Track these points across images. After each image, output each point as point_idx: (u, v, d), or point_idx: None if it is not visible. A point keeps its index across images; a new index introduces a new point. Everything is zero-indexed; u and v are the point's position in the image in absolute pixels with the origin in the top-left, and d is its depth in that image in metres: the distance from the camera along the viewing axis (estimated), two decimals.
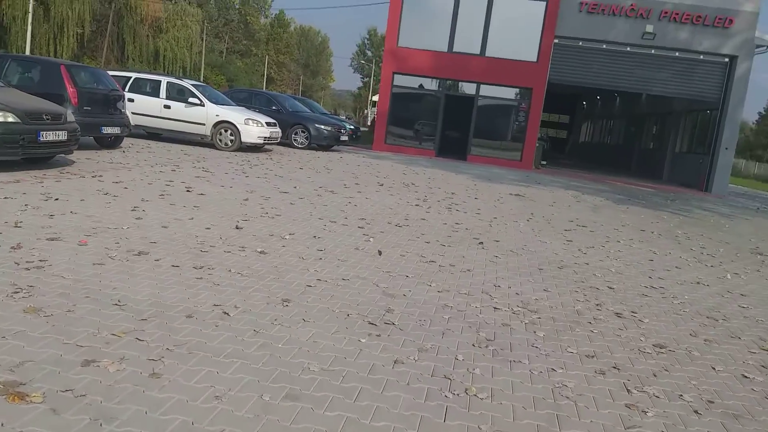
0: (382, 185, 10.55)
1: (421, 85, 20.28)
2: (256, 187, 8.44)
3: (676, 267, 6.57)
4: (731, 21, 18.27)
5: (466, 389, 2.93)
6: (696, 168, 20.76)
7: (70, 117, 8.06)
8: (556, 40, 18.97)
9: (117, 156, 10.13)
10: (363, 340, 3.39)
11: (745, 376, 3.56)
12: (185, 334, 3.17)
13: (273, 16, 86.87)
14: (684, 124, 23.06)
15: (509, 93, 20.05)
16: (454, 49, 19.44)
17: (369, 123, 50.20)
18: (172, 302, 3.61)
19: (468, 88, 19.95)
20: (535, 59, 19.08)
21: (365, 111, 70.94)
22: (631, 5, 18.61)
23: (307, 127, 16.45)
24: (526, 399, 2.92)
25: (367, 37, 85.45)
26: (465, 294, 4.54)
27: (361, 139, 21.79)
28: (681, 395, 3.17)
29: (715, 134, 19.37)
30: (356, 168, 13.11)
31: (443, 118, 19.93)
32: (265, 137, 13.63)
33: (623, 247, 7.36)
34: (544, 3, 18.78)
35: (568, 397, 2.99)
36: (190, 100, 13.15)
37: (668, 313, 4.72)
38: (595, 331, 4.05)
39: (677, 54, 19.04)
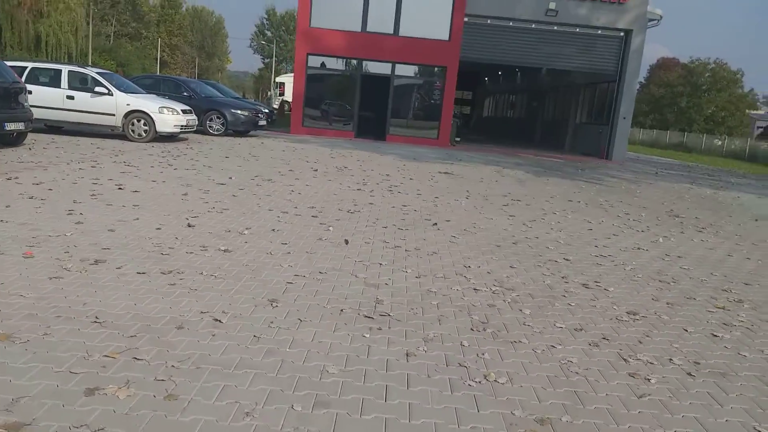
0: (316, 171, 10.36)
1: (327, 65, 20.04)
2: (190, 180, 8.01)
3: (614, 234, 6.98)
4: None
5: (485, 375, 2.96)
6: (596, 137, 22.08)
7: None
8: (466, 19, 19.32)
9: (24, 154, 9.23)
10: (367, 335, 3.33)
11: (714, 335, 3.85)
12: (183, 348, 2.97)
13: None
14: (583, 97, 24.39)
15: (423, 72, 20.26)
16: (368, 29, 19.30)
17: (276, 105, 49.11)
18: (154, 313, 3.36)
19: (383, 68, 19.91)
20: (447, 38, 19.35)
21: (269, 93, 69.09)
22: None
23: (223, 113, 15.78)
24: (542, 379, 2.99)
25: (266, 17, 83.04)
26: (442, 278, 4.57)
27: (275, 123, 21.22)
28: (671, 359, 3.39)
29: (613, 105, 20.65)
30: (282, 154, 12.78)
31: (360, 99, 19.82)
32: (182, 125, 12.94)
33: (560, 219, 7.71)
34: None
35: (577, 373, 3.10)
36: (97, 89, 12.19)
37: (625, 280, 5.01)
38: (572, 304, 4.22)
39: (578, 30, 20.01)
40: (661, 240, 6.87)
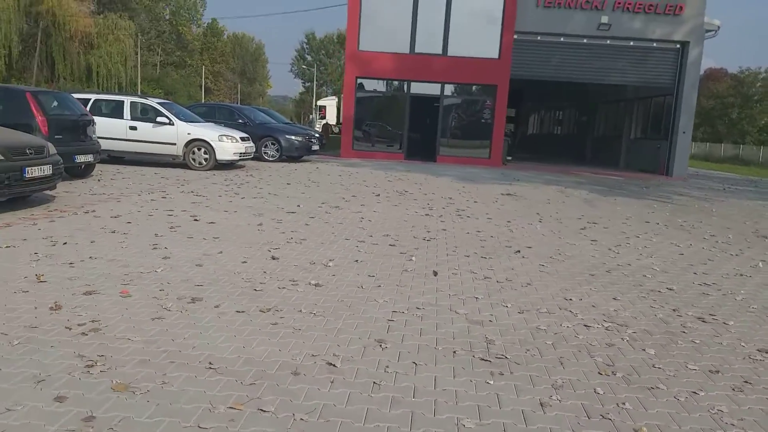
0: (378, 195, 10.23)
1: (381, 88, 20.08)
2: (260, 209, 7.97)
3: (708, 259, 6.57)
4: (681, 8, 18.88)
5: (636, 430, 2.68)
6: (653, 153, 21.37)
7: (52, 149, 7.36)
8: (515, 36, 19.10)
9: (94, 186, 9.40)
10: (491, 382, 3.10)
11: None
12: (306, 397, 2.80)
13: (205, 25, 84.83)
14: (637, 111, 23.73)
15: (473, 91, 20.08)
16: (416, 50, 19.27)
17: (319, 128, 49.69)
18: (265, 358, 3.21)
19: (432, 89, 19.83)
20: (497, 56, 19.15)
21: (310, 116, 70.08)
22: None
23: (278, 139, 15.90)
24: None
25: (306, 41, 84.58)
26: (546, 313, 4.31)
27: (324, 147, 21.32)
28: None
29: (672, 119, 19.98)
30: (340, 179, 12.73)
31: (409, 120, 19.74)
32: (241, 153, 13.06)
33: (645, 243, 7.33)
34: (502, 0, 18.87)
35: (733, 425, 2.79)
36: (158, 119, 12.42)
37: (741, 311, 4.64)
38: (696, 341, 3.90)
39: (632, 43, 19.52)
40: (760, 265, 6.43)
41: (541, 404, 2.88)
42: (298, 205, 8.50)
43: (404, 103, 19.71)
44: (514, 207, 9.84)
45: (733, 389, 3.19)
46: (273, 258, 5.37)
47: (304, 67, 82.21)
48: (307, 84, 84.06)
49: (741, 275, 5.89)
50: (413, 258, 5.70)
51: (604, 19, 19.08)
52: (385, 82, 19.94)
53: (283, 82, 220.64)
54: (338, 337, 3.59)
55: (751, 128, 58.98)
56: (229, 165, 13.36)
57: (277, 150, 15.99)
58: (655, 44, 19.55)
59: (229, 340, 3.43)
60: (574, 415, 2.80)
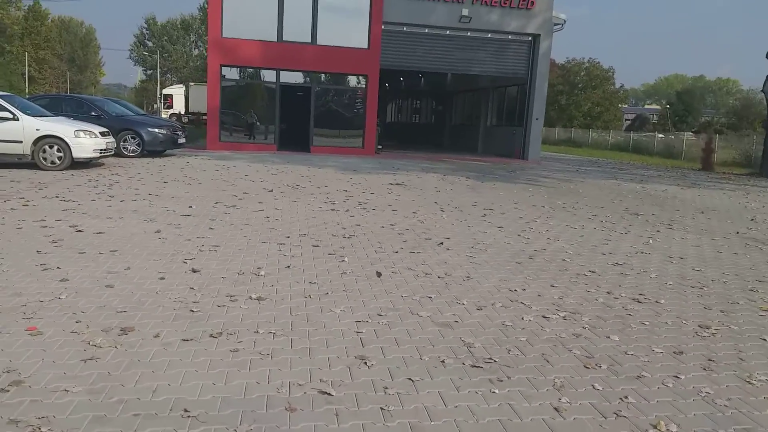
0: (271, 191, 9.69)
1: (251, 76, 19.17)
2: (149, 213, 7.12)
3: (606, 239, 7.04)
4: (533, 3, 20.23)
5: (655, 425, 2.70)
6: (508, 139, 22.84)
7: None
8: (383, 27, 19.20)
9: None
10: (496, 391, 2.96)
11: None
12: None
13: (26, 7, 75.11)
14: (492, 99, 25.18)
15: (345, 80, 19.90)
16: (284, 38, 18.62)
17: (167, 117, 46.51)
18: (246, 394, 2.78)
19: (303, 78, 19.33)
20: (366, 46, 19.12)
21: (154, 106, 65.40)
22: None
23: (139, 133, 14.46)
24: (705, 420, 2.78)
25: (146, 26, 78.35)
26: (502, 307, 4.27)
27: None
28: None
29: (526, 107, 21.44)
30: (218, 173, 11.89)
31: (280, 110, 19.07)
32: (101, 149, 11.66)
33: (545, 226, 7.70)
34: None
35: (726, 406, 2.92)
36: (0, 114, 10.66)
37: (663, 288, 4.99)
38: (646, 323, 4.09)
39: (490, 35, 20.58)
40: (651, 241, 7.02)
41: (557, 409, 2.80)
42: (190, 206, 7.74)
43: (274, 92, 18.98)
44: (411, 197, 9.86)
45: (704, 369, 3.37)
46: (193, 270, 4.77)
47: (145, 53, 76.27)
48: (149, 71, 78.19)
49: (641, 253, 6.37)
50: (345, 259, 5.40)
51: (465, 12, 19.87)
52: (252, 70, 19.03)
53: (118, 70, 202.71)
54: (315, 358, 3.23)
55: (578, 113, 65.25)
56: (85, 163, 11.87)
57: (138, 144, 14.55)
58: (510, 36, 20.79)
59: (191, 377, 2.92)
60: (591, 417, 2.75)
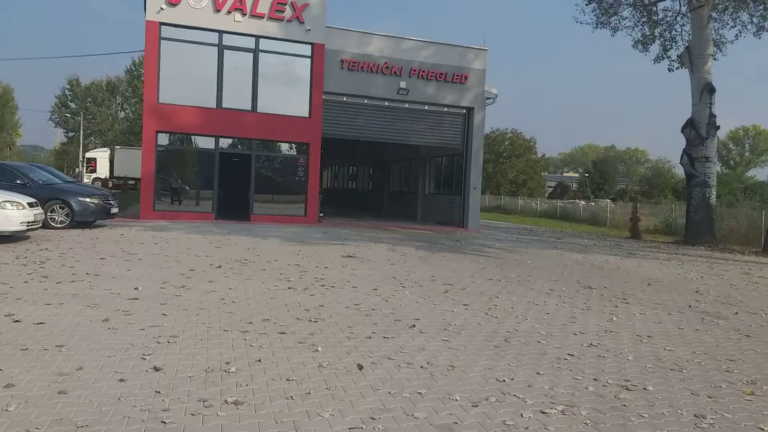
0: (219, 267, 9.19)
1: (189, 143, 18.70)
2: (92, 297, 6.50)
3: (571, 317, 7.04)
4: (466, 77, 21.14)
5: None
6: (447, 207, 23.26)
7: None
8: (324, 96, 19.41)
9: None
10: None
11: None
12: None
13: None
14: (430, 169, 25.72)
15: (286, 148, 19.77)
16: (224, 105, 18.39)
17: (90, 182, 44.58)
18: None
19: (242, 145, 19.06)
20: (307, 115, 19.19)
21: (76, 169, 62.61)
22: (386, 63, 20.14)
23: (68, 202, 13.54)
24: None
25: (68, 87, 75.88)
26: (497, 402, 4.06)
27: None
28: None
29: (463, 177, 21.99)
30: (158, 247, 11.24)
31: (219, 178, 18.58)
32: (29, 222, 10.80)
33: (508, 303, 7.64)
34: (309, 60, 19.11)
35: None
36: None
37: (644, 373, 4.95)
38: (644, 415, 3.98)
39: (426, 107, 21.22)
40: (614, 318, 7.08)
41: None
42: (136, 288, 7.15)
43: (212, 159, 18.53)
44: (366, 271, 9.62)
45: None
46: (155, 369, 4.28)
47: (67, 115, 73.50)
48: (71, 134, 75.16)
49: (610, 331, 6.37)
50: (318, 348, 5.05)
51: (403, 84, 20.48)
52: (189, 137, 18.58)
53: (35, 131, 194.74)
54: None
55: (504, 180, 67.81)
56: (9, 237, 10.92)
57: (68, 215, 13.62)
58: (446, 109, 21.51)
59: None
60: None
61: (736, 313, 7.87)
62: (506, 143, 69.39)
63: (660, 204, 37.99)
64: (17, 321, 5.33)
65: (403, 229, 19.67)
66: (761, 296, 9.42)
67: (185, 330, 5.39)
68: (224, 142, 18.78)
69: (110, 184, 46.54)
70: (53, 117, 76.62)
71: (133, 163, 47.84)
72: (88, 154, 55.62)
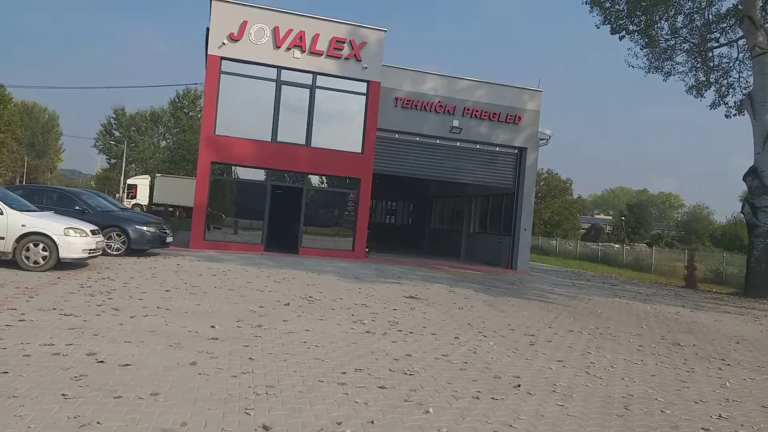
0: (288, 305, 8.83)
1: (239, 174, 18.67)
2: (170, 335, 6.17)
3: (682, 382, 6.45)
4: (520, 118, 20.83)
5: None
6: (494, 247, 22.70)
7: None
8: (377, 133, 19.28)
9: None
10: None
11: None
12: None
13: None
14: (475, 207, 25.27)
15: (338, 183, 19.60)
16: (279, 139, 18.38)
17: (131, 207, 45.23)
18: None
19: (295, 178, 18.96)
20: (360, 150, 19.05)
21: (117, 195, 63.84)
22: (439, 102, 19.99)
23: (126, 230, 13.48)
24: None
25: (114, 116, 78.19)
26: None
27: None
28: None
29: (513, 217, 21.47)
30: (217, 279, 10.97)
31: (270, 210, 18.44)
32: (91, 249, 10.67)
33: (603, 360, 7.09)
34: (364, 97, 19.06)
35: None
36: None
37: None
38: None
39: (478, 146, 20.91)
40: (727, 384, 6.45)
41: None
42: (213, 327, 6.82)
43: (264, 191, 18.43)
44: (438, 315, 9.15)
45: None
46: (265, 428, 3.88)
47: (111, 142, 75.51)
48: (113, 161, 77.04)
49: (731, 401, 5.76)
50: (430, 410, 4.59)
51: (456, 123, 20.25)
52: (243, 168, 18.55)
53: (74, 156, 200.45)
54: None
55: (539, 221, 66.85)
56: (69, 264, 10.78)
57: (124, 243, 13.54)
58: (498, 149, 21.17)
59: None
60: None
61: None
62: (542, 183, 68.68)
63: (713, 252, 36.59)
64: (101, 361, 5.01)
65: (452, 268, 19.16)
66: None
67: (279, 379, 4.99)
68: (276, 175, 18.69)
69: (145, 211, 47.15)
70: (97, 144, 78.84)
71: (173, 190, 48.60)
72: (129, 181, 56.72)
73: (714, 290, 21.55)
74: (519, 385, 5.55)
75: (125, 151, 70.56)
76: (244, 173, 18.67)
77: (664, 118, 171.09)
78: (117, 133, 77.63)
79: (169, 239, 14.54)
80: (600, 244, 52.51)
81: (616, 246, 47.62)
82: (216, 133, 17.84)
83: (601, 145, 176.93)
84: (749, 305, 16.25)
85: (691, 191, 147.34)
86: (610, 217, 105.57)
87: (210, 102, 17.82)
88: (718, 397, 5.82)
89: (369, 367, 5.66)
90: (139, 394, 4.28)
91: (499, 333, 8.18)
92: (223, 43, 17.61)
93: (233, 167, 18.51)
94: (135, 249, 13.76)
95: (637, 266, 34.38)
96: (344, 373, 5.39)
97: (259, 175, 18.61)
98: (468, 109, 20.33)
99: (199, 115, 74.49)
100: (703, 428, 4.80)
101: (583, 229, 79.94)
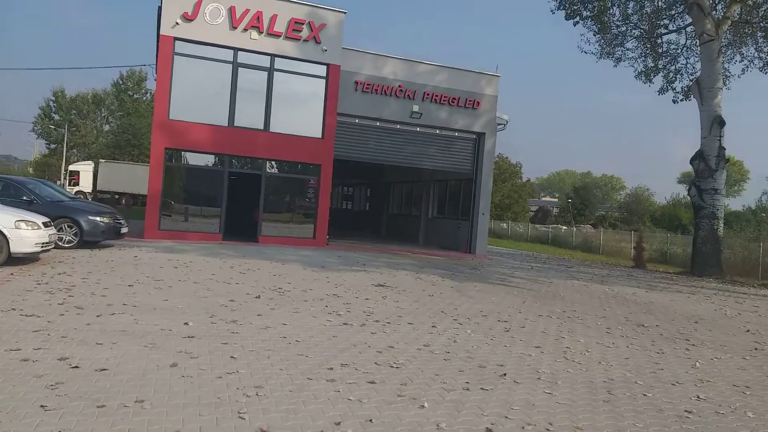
0: (258, 297, 8.62)
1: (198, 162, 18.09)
2: (144, 336, 5.90)
3: (656, 364, 6.64)
4: (478, 103, 20.94)
5: None
6: (452, 232, 22.89)
7: None
8: (337, 117, 19.01)
9: None
10: None
11: None
12: None
13: None
14: (434, 192, 25.38)
15: (298, 169, 19.25)
16: (236, 124, 17.87)
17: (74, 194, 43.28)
18: None
19: (253, 165, 18.51)
20: (320, 135, 18.75)
21: (58, 182, 61.02)
22: (399, 86, 19.86)
23: (78, 221, 12.84)
24: None
25: (53, 99, 74.34)
26: None
27: None
28: None
29: (472, 201, 21.67)
30: (180, 272, 10.61)
31: (227, 197, 17.96)
32: (44, 243, 10.11)
33: (578, 345, 7.22)
34: (324, 81, 18.73)
35: None
36: None
37: None
38: None
39: (438, 131, 20.93)
40: (697, 365, 6.69)
41: None
42: (186, 324, 6.57)
43: (222, 178, 17.93)
44: (409, 304, 9.13)
45: None
46: None
47: (51, 126, 71.91)
48: (54, 146, 73.43)
49: (704, 381, 5.98)
50: (425, 404, 4.54)
51: (416, 108, 20.18)
52: (198, 154, 17.97)
53: (9, 142, 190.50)
54: None
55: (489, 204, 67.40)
56: (20, 259, 10.20)
57: (76, 234, 12.91)
58: (457, 134, 21.25)
59: None
60: None
61: None
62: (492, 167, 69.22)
63: (654, 232, 38.09)
64: (76, 367, 4.73)
65: (413, 253, 19.22)
66: None
67: (266, 379, 4.84)
68: (234, 161, 18.21)
69: (89, 199, 45.31)
70: (36, 128, 74.97)
71: (118, 177, 46.84)
72: (71, 167, 54.26)
73: (661, 270, 22.44)
74: (505, 374, 5.58)
75: (66, 135, 67.35)
76: (200, 159, 18.10)
77: (609, 102, 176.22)
78: (57, 117, 73.95)
79: (124, 230, 13.95)
80: (549, 226, 53.99)
81: (564, 228, 49.02)
82: (170, 118, 17.18)
83: (548, 128, 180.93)
84: (698, 284, 16.99)
85: (632, 173, 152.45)
86: (556, 200, 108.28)
87: (163, 85, 17.12)
88: (692, 378, 6.02)
89: (354, 362, 5.58)
90: (123, 402, 4.06)
91: (473, 320, 8.23)
92: (177, 23, 16.90)
93: (189, 153, 17.88)
94: (88, 241, 13.14)
95: (587, 247, 35.45)
96: (331, 368, 5.29)
97: (215, 161, 18.09)
98: (428, 94, 20.27)
99: (145, 98, 71.93)
100: (686, 410, 4.94)
101: (532, 211, 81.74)
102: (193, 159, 18.06)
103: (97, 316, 6.59)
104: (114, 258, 11.87)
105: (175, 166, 17.81)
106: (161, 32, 16.94)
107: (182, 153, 17.80)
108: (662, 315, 10.27)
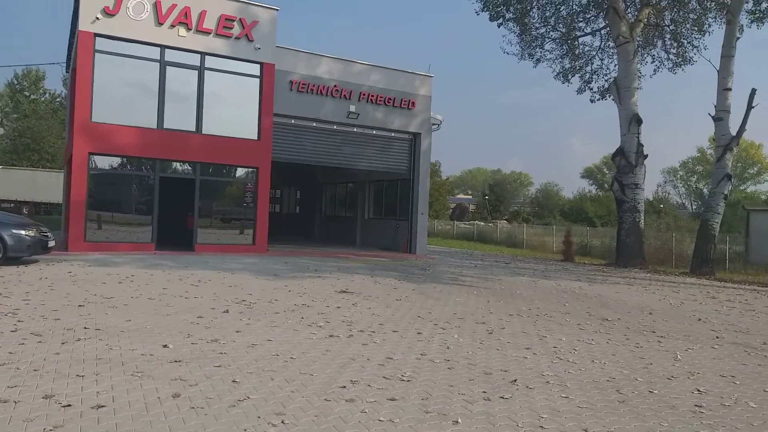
0: (227, 312, 8.10)
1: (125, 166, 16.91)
2: (126, 362, 5.33)
3: (641, 358, 6.83)
4: (413, 103, 21.04)
5: None
6: (390, 232, 22.91)
7: None
8: (273, 118, 18.43)
9: None
10: None
11: None
12: None
13: None
14: (370, 193, 25.26)
15: (234, 173, 18.47)
16: (165, 126, 16.88)
17: None
18: None
19: (186, 169, 17.55)
20: (256, 137, 18.10)
21: None
22: (335, 86, 19.58)
23: (0, 236, 11.61)
24: None
25: None
26: None
27: None
28: None
29: (410, 202, 21.75)
30: (127, 287, 9.83)
31: (159, 205, 16.93)
32: None
33: (564, 345, 7.32)
34: (258, 80, 18.10)
35: None
36: None
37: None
38: None
39: (374, 132, 20.83)
40: (678, 357, 6.95)
41: None
42: (165, 346, 6.02)
43: (152, 184, 16.88)
44: (383, 311, 8.93)
45: None
46: None
47: None
48: None
49: (694, 373, 6.20)
50: (459, 420, 4.37)
51: (352, 108, 19.99)
52: (126, 159, 16.82)
53: None
54: None
55: None
56: None
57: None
58: (393, 134, 21.25)
59: None
60: None
61: (765, 343, 8.08)
62: None
63: (563, 225, 40.16)
64: (68, 405, 4.16)
65: (356, 255, 19.02)
66: (756, 321, 9.84)
67: (283, 403, 4.49)
68: (165, 165, 17.19)
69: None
70: None
71: (18, 184, 43.21)
72: None
73: (587, 262, 23.54)
74: (515, 380, 5.51)
75: None
76: (127, 164, 16.94)
77: (517, 101, 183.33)
78: None
79: (51, 243, 12.77)
80: (467, 222, 55.52)
81: (482, 224, 50.61)
82: (93, 120, 15.97)
83: (462, 126, 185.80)
84: (628, 275, 17.93)
85: (538, 170, 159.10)
86: (471, 196, 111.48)
87: (84, 85, 15.86)
88: (682, 371, 6.23)
89: (362, 377, 5.31)
90: None
91: (452, 324, 8.16)
92: (97, 18, 15.73)
93: (115, 158, 16.69)
94: (11, 258, 11.91)
95: (511, 243, 36.66)
96: (344, 387, 5.00)
97: (145, 166, 17.01)
98: (364, 94, 20.13)
99: (43, 98, 66.78)
100: (696, 405, 5.07)
101: (450, 209, 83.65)
102: (121, 164, 16.86)
103: (62, 343, 5.90)
104: (47, 275, 10.81)
105: (101, 173, 16.56)
106: (80, 27, 15.72)
107: (108, 158, 16.56)
108: (618, 308, 10.68)
